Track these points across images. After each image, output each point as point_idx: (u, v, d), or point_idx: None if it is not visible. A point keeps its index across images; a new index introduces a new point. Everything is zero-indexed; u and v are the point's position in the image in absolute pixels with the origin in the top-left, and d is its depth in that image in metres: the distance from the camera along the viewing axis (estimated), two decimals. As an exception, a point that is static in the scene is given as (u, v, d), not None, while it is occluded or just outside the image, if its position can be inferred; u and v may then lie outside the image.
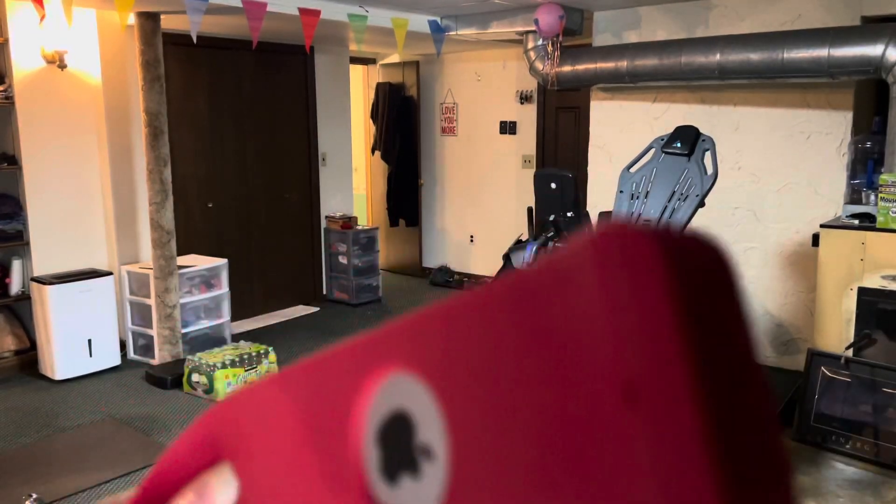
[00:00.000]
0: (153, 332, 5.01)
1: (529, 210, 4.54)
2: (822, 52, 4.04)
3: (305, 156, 6.56)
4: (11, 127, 4.74)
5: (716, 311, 0.18)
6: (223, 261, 5.42)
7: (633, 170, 3.58)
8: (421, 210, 7.68)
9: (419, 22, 5.30)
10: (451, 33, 5.48)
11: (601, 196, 5.42)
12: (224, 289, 5.41)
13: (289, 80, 6.34)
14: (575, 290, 0.18)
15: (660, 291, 0.17)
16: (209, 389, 4.43)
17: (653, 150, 3.58)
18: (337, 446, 0.23)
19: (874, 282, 3.63)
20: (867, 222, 3.73)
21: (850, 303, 3.70)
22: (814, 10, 4.44)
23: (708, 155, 3.44)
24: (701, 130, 3.53)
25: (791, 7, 4.52)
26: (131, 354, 5.23)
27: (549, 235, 3.58)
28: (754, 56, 4.27)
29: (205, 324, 5.30)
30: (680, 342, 0.17)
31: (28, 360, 4.89)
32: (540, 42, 5.18)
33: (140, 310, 5.16)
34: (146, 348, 5.15)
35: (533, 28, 4.99)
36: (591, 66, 5.00)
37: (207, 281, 5.34)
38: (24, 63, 4.69)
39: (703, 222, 4.94)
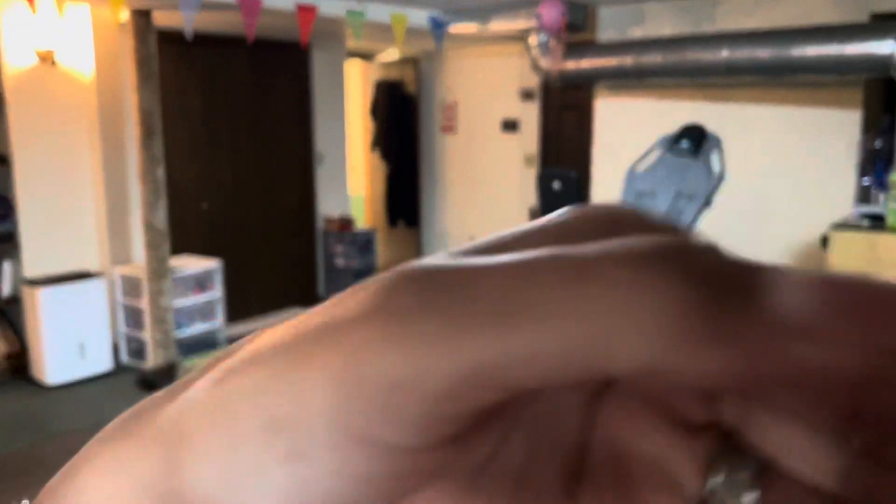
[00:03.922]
0: (146, 335, 4.97)
1: (532, 210, 4.47)
2: (831, 50, 4.05)
3: (302, 155, 6.53)
4: (2, 125, 4.70)
5: None
6: (217, 262, 5.38)
7: (638, 169, 3.52)
8: (421, 210, 7.63)
9: (419, 18, 5.26)
10: (451, 29, 5.44)
11: (606, 196, 5.38)
12: (218, 291, 5.38)
13: (285, 77, 6.30)
14: None
15: None
16: (203, 394, 4.36)
17: (658, 150, 3.53)
18: None
19: (887, 285, 3.56)
20: (878, 223, 3.69)
21: (861, 306, 3.63)
22: (822, 6, 4.44)
23: (715, 154, 3.40)
24: (707, 129, 3.48)
25: (799, 3, 4.51)
26: (124, 358, 5.18)
27: (551, 237, 3.51)
28: (762, 53, 4.26)
29: (199, 327, 5.28)
30: None
31: (19, 364, 4.84)
32: (543, 38, 5.14)
33: (132, 312, 5.11)
34: (139, 352, 5.10)
35: (535, 24, 4.96)
36: (595, 62, 4.99)
37: (201, 283, 5.31)
38: (16, 60, 4.66)
39: (709, 222, 4.88)
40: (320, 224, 6.71)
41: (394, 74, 7.57)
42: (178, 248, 5.41)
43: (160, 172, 4.71)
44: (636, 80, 4.90)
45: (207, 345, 5.22)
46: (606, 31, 5.25)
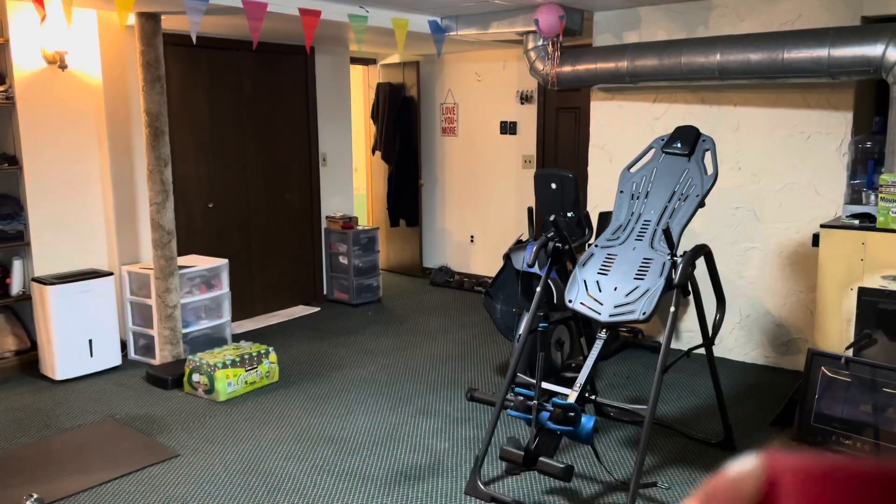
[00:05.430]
0: (154, 332, 5.01)
1: (530, 210, 4.54)
2: (822, 53, 4.05)
3: (306, 156, 6.57)
4: (12, 127, 4.75)
5: None
6: (224, 261, 5.42)
7: (633, 170, 3.58)
8: (421, 210, 7.69)
9: (419, 22, 5.31)
10: (451, 33, 5.48)
11: (601, 196, 5.43)
12: (224, 289, 5.41)
13: (289, 80, 6.34)
14: None
15: None
16: (210, 389, 4.43)
17: (653, 151, 3.58)
18: None
19: (874, 282, 3.63)
20: (867, 222, 3.73)
21: (851, 303, 3.70)
22: (814, 11, 4.45)
23: (708, 155, 3.44)
24: (701, 131, 3.53)
25: (791, 7, 4.53)
26: (132, 354, 5.24)
27: (549, 235, 3.58)
28: (754, 56, 4.27)
29: (205, 324, 5.30)
30: None
31: (29, 360, 4.89)
32: (540, 42, 5.19)
33: (141, 310, 5.16)
34: (147, 348, 5.15)
35: (533, 28, 5.00)
36: (591, 66, 5.01)
37: (208, 281, 5.34)
38: (25, 63, 4.69)
39: (703, 223, 4.95)
40: (324, 224, 6.78)
41: (395, 77, 7.61)
42: (186, 246, 5.48)
43: (167, 173, 4.76)
44: (631, 83, 4.92)
45: (214, 341, 5.29)
46: (603, 36, 5.28)
